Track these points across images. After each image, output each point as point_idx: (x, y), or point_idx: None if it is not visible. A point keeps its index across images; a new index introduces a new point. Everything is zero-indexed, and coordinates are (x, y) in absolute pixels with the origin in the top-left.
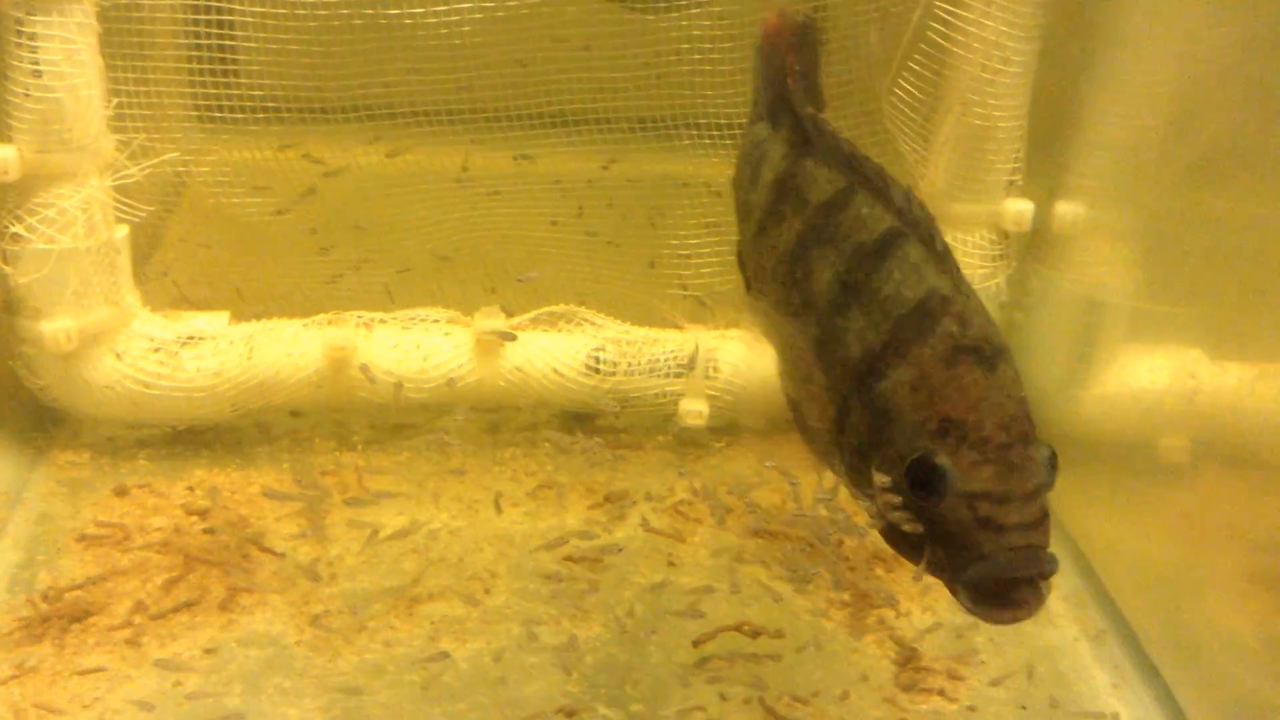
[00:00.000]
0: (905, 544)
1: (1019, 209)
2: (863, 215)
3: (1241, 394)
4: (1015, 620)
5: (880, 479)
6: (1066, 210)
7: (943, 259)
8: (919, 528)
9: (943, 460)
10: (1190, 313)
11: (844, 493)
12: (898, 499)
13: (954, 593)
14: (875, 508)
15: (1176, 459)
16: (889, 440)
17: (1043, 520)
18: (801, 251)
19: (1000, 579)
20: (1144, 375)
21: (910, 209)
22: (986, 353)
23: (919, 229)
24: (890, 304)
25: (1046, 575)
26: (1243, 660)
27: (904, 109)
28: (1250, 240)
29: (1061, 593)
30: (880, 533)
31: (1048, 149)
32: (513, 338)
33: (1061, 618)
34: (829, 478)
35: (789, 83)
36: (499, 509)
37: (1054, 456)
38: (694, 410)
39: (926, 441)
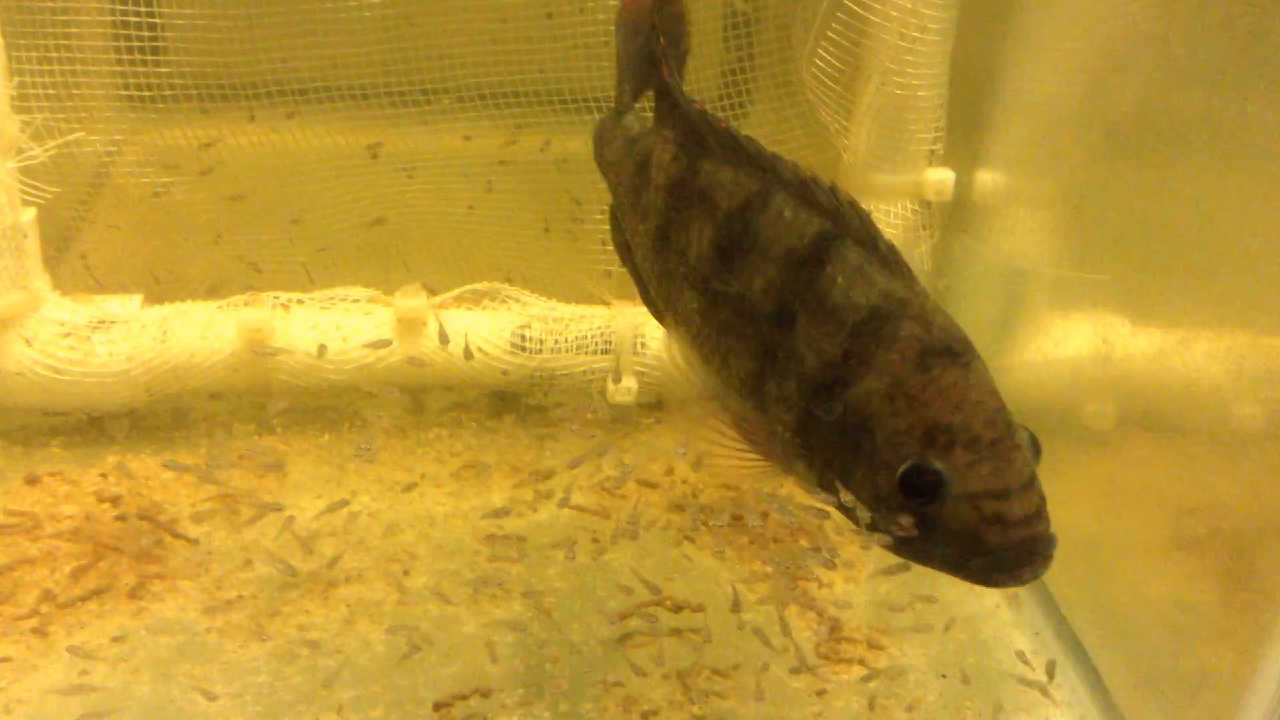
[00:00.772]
0: (903, 548)
1: (940, 178)
2: (787, 219)
3: (1162, 359)
4: (1031, 579)
5: (865, 490)
6: (987, 179)
7: (888, 259)
8: (914, 533)
9: (939, 465)
10: (1110, 279)
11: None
12: (890, 506)
13: (955, 575)
14: (858, 515)
15: (1099, 425)
16: (870, 451)
17: (1042, 506)
18: (721, 261)
19: (1004, 569)
20: (1066, 342)
21: (840, 208)
22: (957, 351)
23: (853, 228)
24: (842, 312)
25: (1050, 555)
26: (1160, 624)
27: (824, 79)
28: (1166, 206)
29: None
30: (872, 537)
31: (969, 118)
32: (446, 340)
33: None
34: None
35: (665, 73)
36: (416, 488)
37: (1034, 439)
38: (623, 387)
39: (915, 448)
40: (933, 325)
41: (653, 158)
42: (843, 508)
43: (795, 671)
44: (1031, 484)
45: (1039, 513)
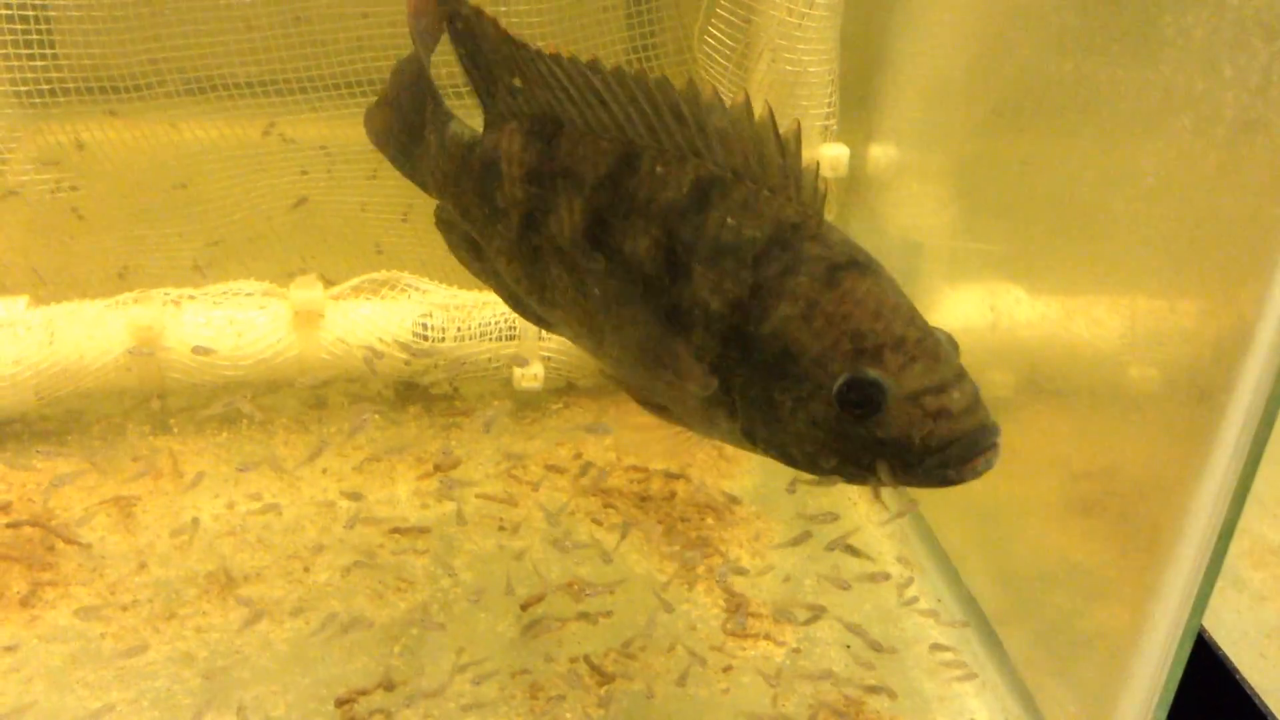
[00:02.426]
0: (849, 468)
1: (835, 154)
2: (659, 173)
3: (1055, 326)
4: (985, 470)
5: (800, 420)
6: (881, 153)
7: (782, 184)
8: (858, 453)
9: (873, 373)
10: (1004, 249)
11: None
12: (829, 429)
13: (902, 484)
14: (798, 452)
15: (998, 393)
16: (798, 378)
17: (979, 396)
18: (600, 233)
19: (959, 460)
20: (963, 312)
21: (713, 146)
22: (862, 261)
23: (735, 158)
24: (739, 250)
25: (999, 443)
26: (1055, 586)
27: (716, 57)
28: (1051, 175)
29: (886, 531)
30: (814, 471)
31: (860, 94)
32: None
33: (883, 556)
34: None
35: (477, 73)
36: (318, 484)
37: (951, 338)
38: (529, 374)
39: (845, 362)
40: (832, 243)
41: (501, 153)
42: (777, 453)
43: (702, 647)
44: (965, 375)
45: (979, 402)
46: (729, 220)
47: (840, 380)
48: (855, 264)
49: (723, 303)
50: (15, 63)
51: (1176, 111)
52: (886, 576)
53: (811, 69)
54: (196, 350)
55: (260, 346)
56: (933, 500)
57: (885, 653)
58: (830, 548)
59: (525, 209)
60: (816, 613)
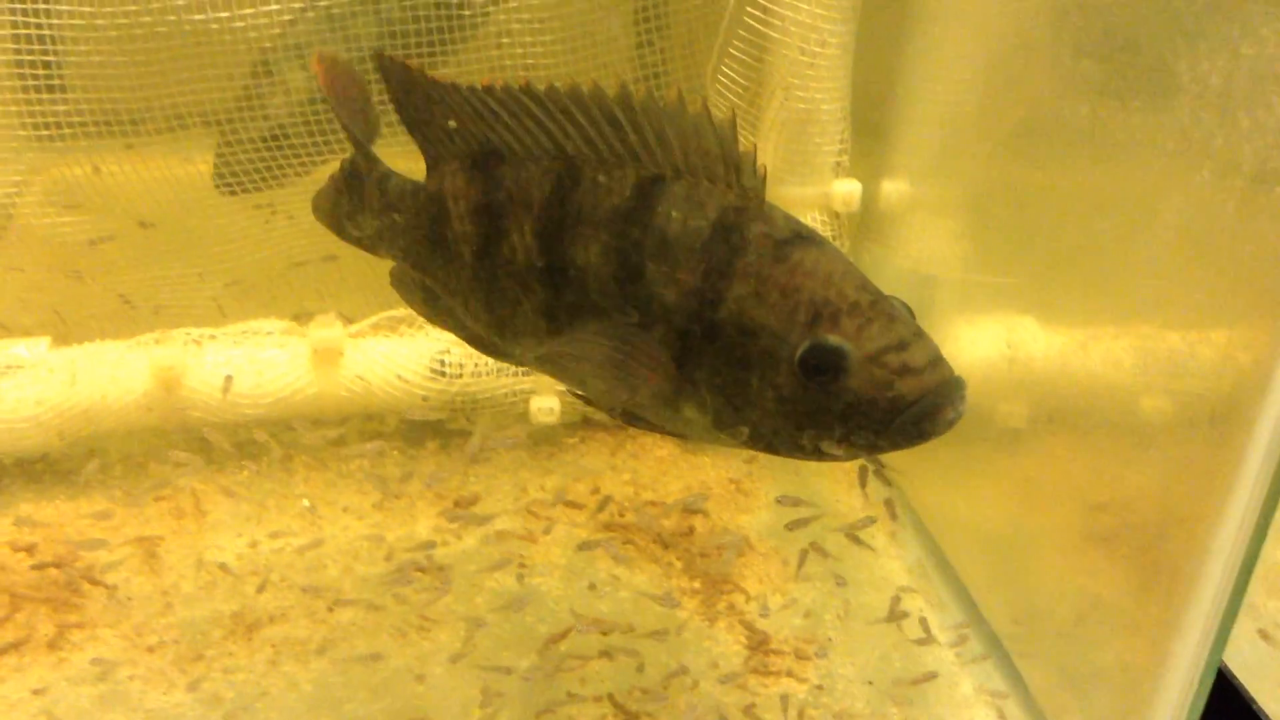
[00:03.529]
0: (825, 441)
1: (847, 189)
2: (601, 182)
3: (1068, 358)
4: (955, 420)
5: (768, 398)
6: (892, 189)
7: (722, 173)
8: (831, 423)
9: (832, 338)
10: (1015, 282)
11: (698, 479)
12: (798, 402)
13: (879, 449)
14: (771, 433)
15: (1012, 424)
16: (760, 355)
17: (939, 352)
18: (551, 248)
19: (927, 414)
20: (976, 345)
21: (652, 147)
22: (807, 235)
23: (674, 155)
24: (686, 239)
25: (965, 396)
26: (1074, 618)
27: (729, 96)
28: (1062, 208)
29: (905, 564)
30: (792, 453)
31: (872, 130)
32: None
33: (905, 591)
34: None
35: (416, 126)
36: (339, 522)
37: (906, 304)
38: (545, 407)
39: (803, 332)
40: (776, 220)
41: (446, 193)
42: (752, 438)
43: (724, 684)
44: (923, 334)
45: (941, 357)
46: (673, 214)
47: (801, 349)
48: (800, 238)
49: (677, 293)
50: (24, 106)
51: (1194, 154)
52: (905, 613)
53: (824, 106)
54: (226, 382)
55: (280, 385)
56: (952, 533)
57: (907, 687)
58: (840, 584)
59: (477, 242)
60: (836, 647)
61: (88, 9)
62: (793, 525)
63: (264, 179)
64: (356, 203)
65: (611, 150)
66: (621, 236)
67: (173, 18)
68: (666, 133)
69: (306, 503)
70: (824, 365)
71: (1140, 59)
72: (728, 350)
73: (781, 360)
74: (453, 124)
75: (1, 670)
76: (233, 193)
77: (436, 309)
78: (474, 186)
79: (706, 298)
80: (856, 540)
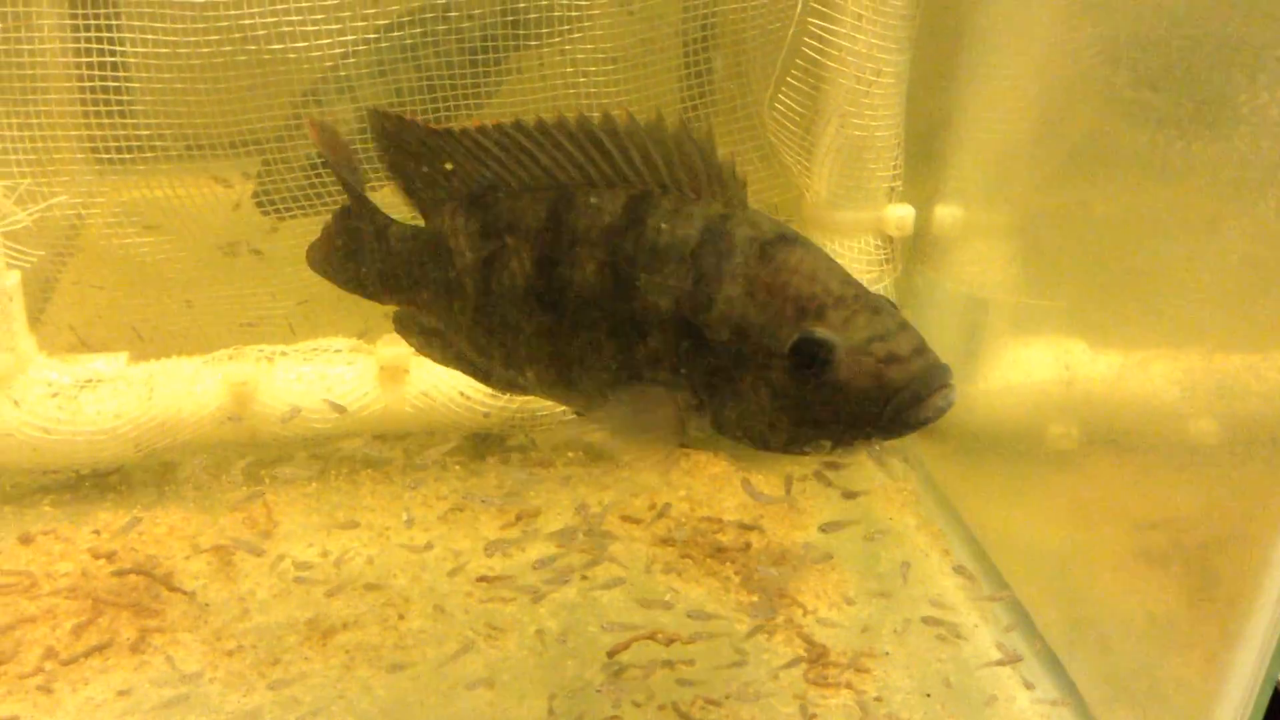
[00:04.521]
0: (821, 437)
1: (900, 214)
2: (593, 204)
3: (1119, 379)
4: (945, 407)
5: (763, 395)
6: (946, 213)
7: (706, 185)
8: (825, 417)
9: (819, 330)
10: (1066, 305)
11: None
12: (790, 397)
13: (873, 438)
14: (768, 431)
15: (1063, 445)
16: (753, 354)
17: (924, 341)
18: (549, 272)
19: (918, 399)
20: (1028, 367)
21: (639, 168)
22: (790, 236)
23: (660, 173)
24: (676, 249)
25: (952, 382)
26: (1130, 635)
27: (785, 123)
28: (1114, 234)
29: (958, 581)
30: (791, 450)
31: (925, 155)
32: None
33: (960, 605)
34: None
35: (410, 175)
36: (409, 526)
37: (889, 301)
38: None
39: (790, 328)
40: (760, 224)
41: (446, 231)
42: (749, 439)
43: (785, 694)
44: (908, 325)
45: (926, 345)
46: (662, 226)
47: (790, 342)
48: (784, 238)
49: (670, 301)
50: (94, 130)
51: (1253, 182)
52: (960, 627)
53: (878, 133)
54: (291, 411)
55: (347, 400)
56: (1006, 549)
57: (963, 700)
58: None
59: (479, 275)
60: (894, 659)
61: (170, 37)
62: (828, 527)
63: (302, 204)
64: (355, 251)
65: (600, 174)
66: (615, 252)
67: (253, 47)
68: (651, 152)
69: (406, 516)
70: (812, 356)
71: (1200, 90)
72: (722, 353)
73: (773, 356)
74: (450, 166)
75: (86, 672)
76: (274, 213)
77: (439, 348)
78: (473, 222)
79: (699, 302)
80: (907, 556)
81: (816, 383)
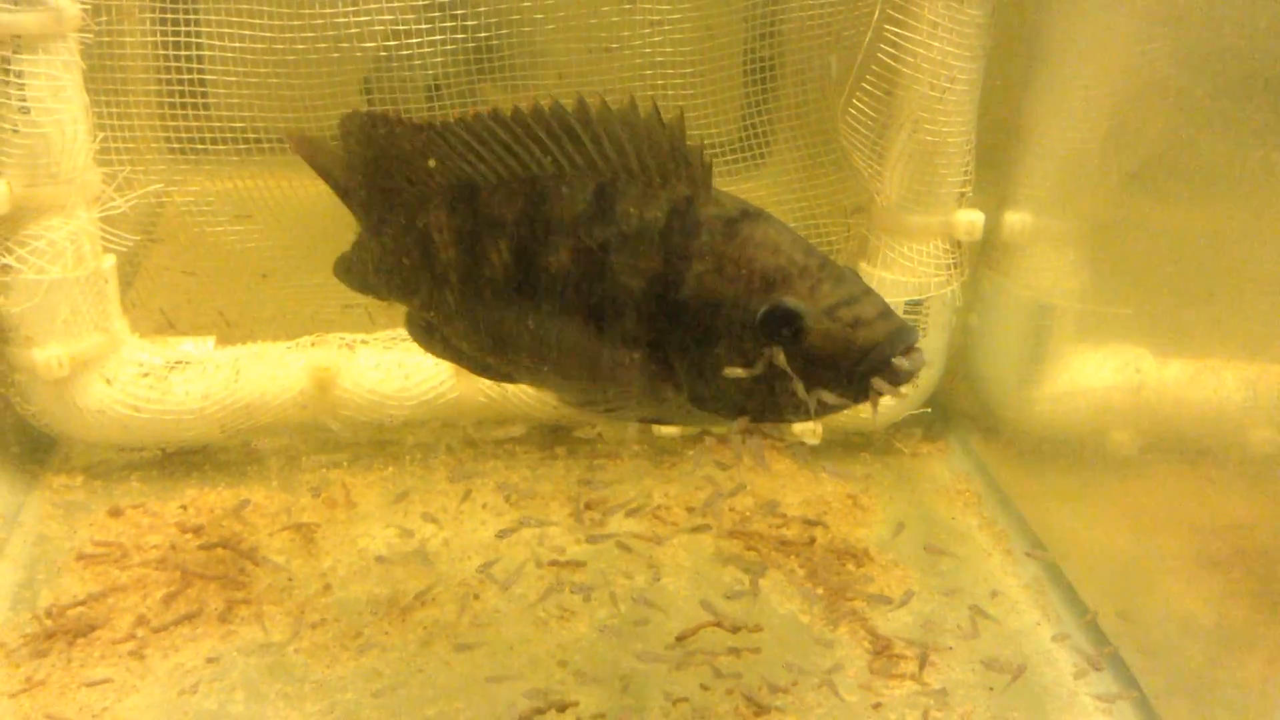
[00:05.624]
0: (784, 403)
1: (970, 219)
2: (564, 193)
3: (1183, 388)
4: (917, 368)
5: (736, 364)
6: (1015, 219)
7: (673, 168)
8: (795, 377)
9: (787, 299)
10: (1133, 313)
11: (816, 493)
12: (762, 365)
13: (846, 400)
14: (744, 400)
15: (1126, 451)
16: (725, 327)
17: (889, 306)
18: (527, 261)
19: (887, 360)
20: (1092, 373)
21: (609, 155)
22: (753, 212)
23: (629, 159)
24: (645, 232)
25: (917, 344)
26: (1196, 638)
27: (858, 128)
28: (1184, 243)
29: (1022, 581)
30: (770, 417)
31: (995, 162)
32: None
33: (1022, 604)
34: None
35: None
36: (483, 510)
37: (853, 270)
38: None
39: (759, 299)
40: (723, 202)
41: (431, 229)
42: (726, 409)
43: (850, 684)
44: (872, 291)
45: (891, 310)
46: (630, 210)
47: (761, 311)
48: (747, 215)
49: (642, 281)
50: (179, 121)
51: None
52: (1019, 628)
53: (950, 139)
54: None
55: (425, 389)
56: (1070, 551)
57: (1025, 696)
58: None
59: (462, 268)
60: (958, 654)
61: (266, 34)
62: (890, 533)
63: None
64: (361, 258)
65: (572, 162)
66: (586, 238)
67: (346, 44)
68: (621, 138)
69: (480, 501)
70: (778, 328)
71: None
72: (695, 327)
73: (744, 327)
74: (433, 163)
75: (177, 640)
76: None
77: (439, 343)
78: (455, 217)
79: (670, 280)
80: (970, 555)
81: (788, 351)
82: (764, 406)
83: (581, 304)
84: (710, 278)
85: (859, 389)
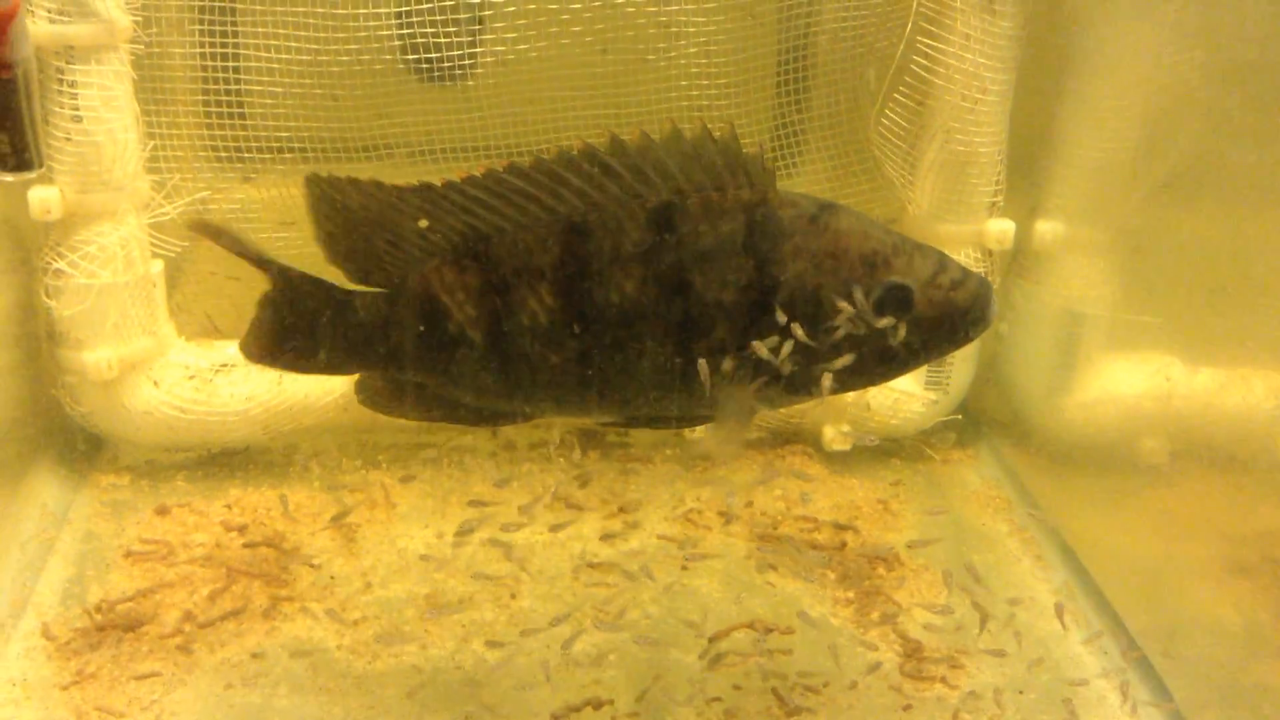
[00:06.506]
0: (891, 371)
1: (1001, 228)
2: (614, 224)
3: (1212, 396)
4: (996, 313)
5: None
6: (1046, 228)
7: (731, 178)
8: (906, 348)
9: (895, 279)
10: (1163, 321)
11: (847, 499)
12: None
13: (946, 355)
14: (863, 380)
15: (1156, 459)
16: (828, 318)
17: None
18: (579, 300)
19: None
20: (1123, 381)
21: (654, 181)
22: (827, 203)
23: (679, 180)
24: (726, 245)
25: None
26: (1226, 645)
27: (890, 137)
28: (1213, 252)
29: (1052, 585)
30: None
31: (1027, 171)
32: None
33: (1051, 609)
34: None
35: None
36: (519, 513)
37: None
38: (700, 425)
39: (868, 283)
40: (798, 200)
41: (436, 289)
42: (833, 389)
43: (881, 686)
44: (946, 255)
45: (964, 266)
46: (701, 229)
47: (876, 293)
48: (824, 208)
49: (733, 292)
50: (217, 130)
51: None
52: (1049, 633)
53: (982, 149)
54: None
55: None
56: (1100, 557)
57: (1054, 699)
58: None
59: (487, 322)
60: (989, 659)
61: (312, 45)
62: (914, 545)
63: None
64: (308, 331)
65: (611, 195)
66: (654, 264)
67: (388, 57)
68: (666, 164)
69: (517, 504)
70: (894, 303)
71: None
72: (801, 322)
73: (855, 313)
74: (424, 223)
75: (223, 635)
76: None
77: (411, 403)
78: (469, 274)
79: (765, 286)
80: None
81: (899, 323)
82: (868, 379)
83: (655, 332)
84: (810, 279)
85: (960, 342)
